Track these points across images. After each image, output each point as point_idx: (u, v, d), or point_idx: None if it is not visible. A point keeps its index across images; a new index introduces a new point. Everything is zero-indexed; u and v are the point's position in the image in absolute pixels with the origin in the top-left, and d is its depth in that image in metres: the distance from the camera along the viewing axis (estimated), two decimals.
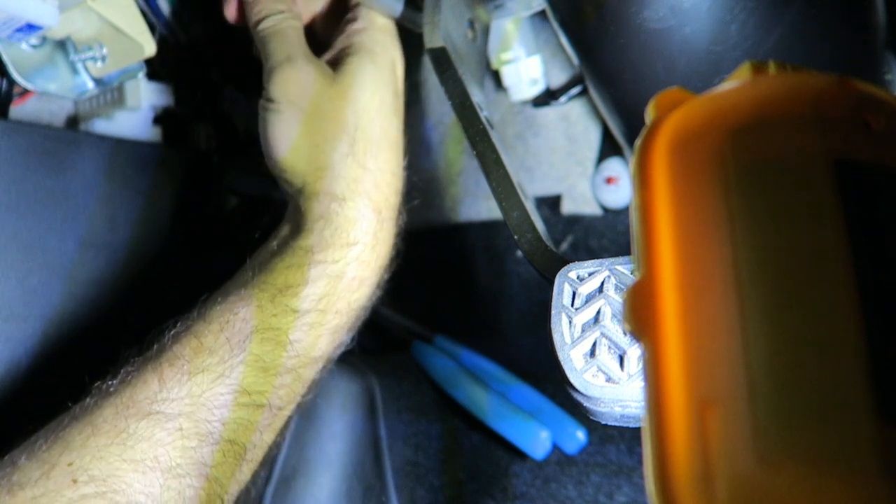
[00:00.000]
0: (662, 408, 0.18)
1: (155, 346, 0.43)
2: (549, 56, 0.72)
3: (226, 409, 0.41)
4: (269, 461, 0.47)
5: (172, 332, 0.43)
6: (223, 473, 0.41)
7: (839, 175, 0.19)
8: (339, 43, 0.48)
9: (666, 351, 0.18)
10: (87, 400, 0.41)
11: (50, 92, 0.52)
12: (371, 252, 0.47)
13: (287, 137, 0.45)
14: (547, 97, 0.73)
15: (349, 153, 0.46)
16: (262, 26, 0.48)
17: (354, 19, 0.49)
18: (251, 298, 0.43)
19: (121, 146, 0.58)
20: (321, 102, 0.45)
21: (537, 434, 0.62)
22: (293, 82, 0.45)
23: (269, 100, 0.46)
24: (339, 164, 0.45)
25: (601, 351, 0.33)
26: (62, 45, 0.52)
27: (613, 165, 0.71)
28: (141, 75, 0.56)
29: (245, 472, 0.43)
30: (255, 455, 0.44)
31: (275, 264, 0.45)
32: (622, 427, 0.34)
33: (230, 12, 0.52)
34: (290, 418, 0.47)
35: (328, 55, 0.49)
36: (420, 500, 0.63)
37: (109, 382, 0.41)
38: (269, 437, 0.45)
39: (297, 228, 0.46)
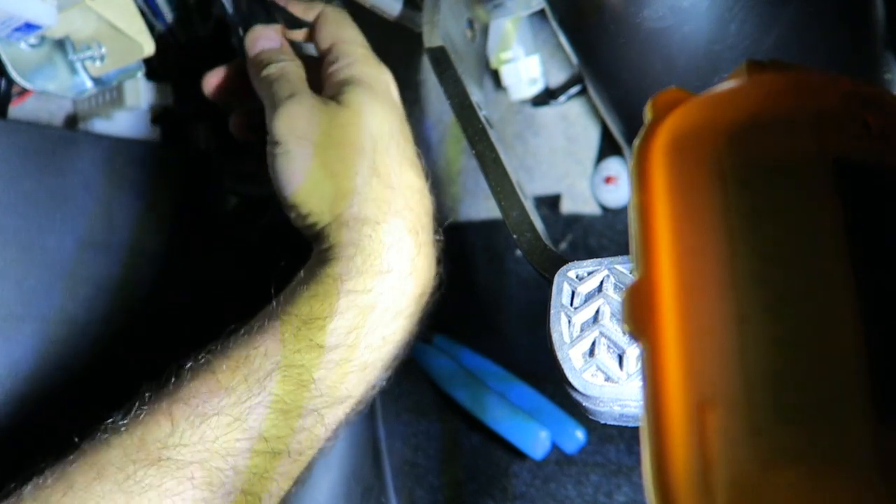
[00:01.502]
0: (661, 408, 0.18)
1: (172, 382, 0.40)
2: (548, 55, 0.72)
3: (241, 458, 0.38)
4: None
5: (190, 366, 0.40)
6: None
7: (838, 174, 0.19)
8: (330, 82, 0.47)
9: (664, 350, 0.18)
10: (97, 436, 0.39)
11: (49, 91, 0.52)
12: (408, 280, 0.43)
13: (299, 173, 0.43)
14: (546, 97, 0.73)
15: (373, 174, 0.43)
16: (266, 72, 0.47)
17: (336, 59, 0.48)
18: (274, 332, 0.40)
19: (120, 146, 0.58)
20: (331, 131, 0.43)
21: (536, 434, 0.62)
22: (298, 117, 0.43)
23: (276, 142, 0.44)
24: (365, 186, 0.43)
25: (600, 350, 0.33)
26: (61, 44, 0.52)
27: (612, 165, 0.71)
28: (140, 75, 0.56)
29: None
30: None
31: (300, 294, 0.42)
32: (621, 426, 0.34)
33: (210, 85, 0.52)
34: (311, 464, 0.43)
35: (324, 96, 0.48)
36: (419, 500, 0.63)
37: (121, 421, 0.39)
38: (285, 485, 0.41)
39: (325, 258, 0.43)
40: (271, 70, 0.47)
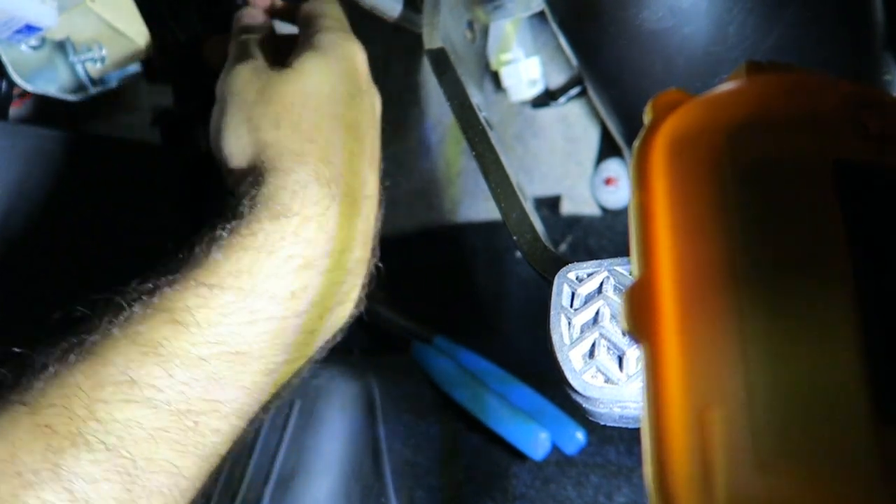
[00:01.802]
0: (661, 409, 0.18)
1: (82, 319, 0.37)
2: (548, 57, 0.72)
3: (110, 407, 0.34)
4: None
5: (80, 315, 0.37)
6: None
7: (837, 176, 0.19)
8: (294, 52, 0.47)
9: (665, 352, 0.18)
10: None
11: (49, 93, 0.52)
12: (316, 230, 0.40)
13: (229, 126, 0.43)
14: (546, 98, 0.73)
15: (294, 129, 0.42)
16: (231, 43, 0.49)
17: (305, 29, 0.49)
18: (156, 277, 0.37)
19: (120, 147, 0.58)
20: (266, 89, 0.44)
21: (537, 435, 0.62)
22: (238, 76, 0.45)
23: (216, 101, 0.45)
24: (284, 139, 0.42)
25: (600, 352, 0.33)
26: (61, 46, 0.52)
27: (612, 166, 0.71)
28: (140, 76, 0.56)
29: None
30: (150, 472, 0.34)
31: (193, 243, 0.39)
32: (621, 428, 0.34)
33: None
34: (224, 444, 0.38)
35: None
36: (419, 500, 0.63)
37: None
38: (171, 454, 0.35)
39: (231, 205, 0.41)
40: (236, 40, 0.49)
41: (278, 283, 0.39)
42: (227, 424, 0.38)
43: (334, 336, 0.45)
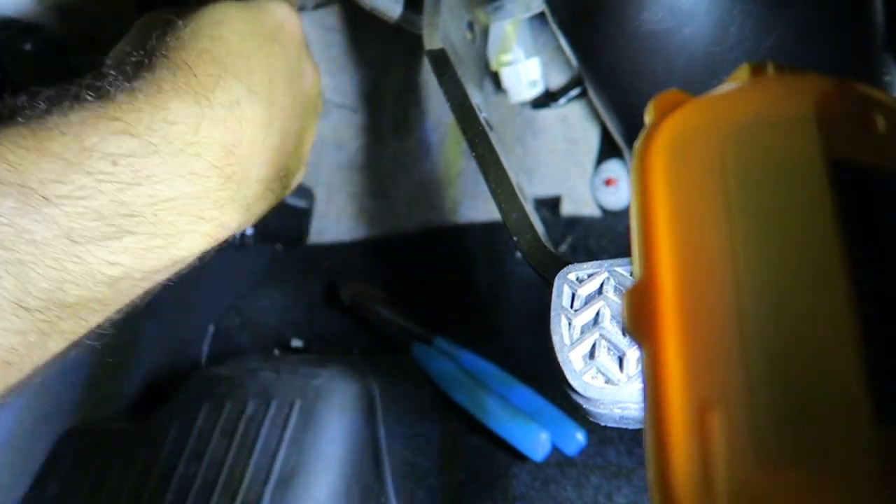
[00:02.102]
0: (662, 410, 0.18)
1: None
2: (549, 58, 0.72)
3: None
4: None
5: None
6: None
7: (837, 177, 0.19)
8: None
9: (665, 353, 0.18)
10: None
11: None
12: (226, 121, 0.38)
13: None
14: (546, 99, 0.74)
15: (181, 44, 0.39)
16: None
17: None
18: None
19: None
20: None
21: (537, 436, 0.62)
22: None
23: None
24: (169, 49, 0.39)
25: (600, 352, 0.33)
26: None
27: (613, 167, 0.71)
28: None
29: None
30: None
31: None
32: (622, 429, 0.34)
33: None
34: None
35: None
36: (419, 501, 0.63)
37: None
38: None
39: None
40: None
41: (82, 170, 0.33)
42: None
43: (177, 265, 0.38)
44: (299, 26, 0.47)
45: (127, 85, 0.36)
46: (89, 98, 0.35)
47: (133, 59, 0.39)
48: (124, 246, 0.34)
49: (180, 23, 0.41)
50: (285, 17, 0.46)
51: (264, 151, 0.41)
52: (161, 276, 0.38)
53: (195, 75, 0.38)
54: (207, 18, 0.42)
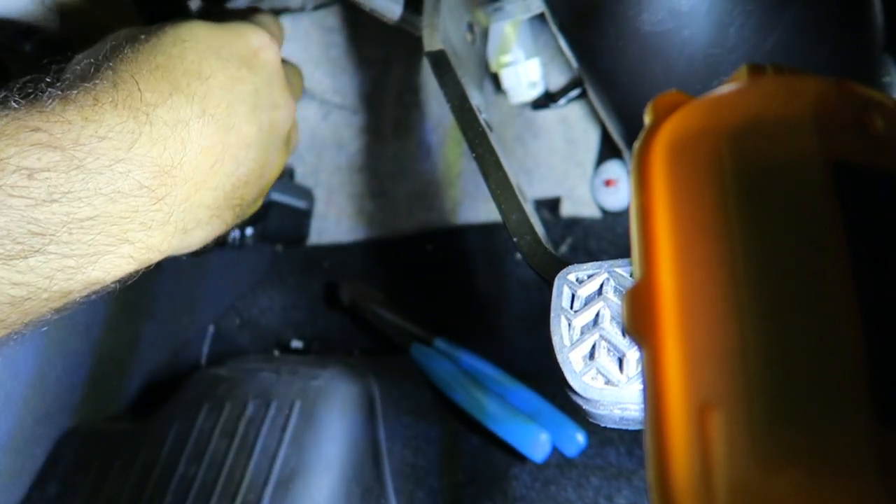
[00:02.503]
0: (662, 410, 0.18)
1: None
2: (548, 59, 0.72)
3: None
4: None
5: None
6: None
7: (837, 177, 0.19)
8: None
9: (665, 353, 0.18)
10: None
11: None
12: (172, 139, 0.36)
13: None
14: (546, 100, 0.74)
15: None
16: None
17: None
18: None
19: None
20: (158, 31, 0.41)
21: (537, 437, 0.62)
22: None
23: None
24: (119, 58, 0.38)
25: (600, 353, 0.33)
26: None
27: (612, 168, 0.71)
28: None
29: None
30: None
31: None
32: (622, 430, 0.34)
33: None
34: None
35: None
36: (419, 502, 0.63)
37: None
38: None
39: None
40: None
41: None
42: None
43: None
44: (276, 56, 0.46)
45: (61, 93, 0.35)
46: (15, 104, 0.33)
47: (79, 68, 0.38)
48: (31, 265, 0.32)
49: (143, 36, 0.40)
50: (261, 44, 0.45)
51: (211, 177, 0.40)
52: (75, 297, 0.36)
53: (140, 90, 0.37)
54: (171, 35, 0.41)
